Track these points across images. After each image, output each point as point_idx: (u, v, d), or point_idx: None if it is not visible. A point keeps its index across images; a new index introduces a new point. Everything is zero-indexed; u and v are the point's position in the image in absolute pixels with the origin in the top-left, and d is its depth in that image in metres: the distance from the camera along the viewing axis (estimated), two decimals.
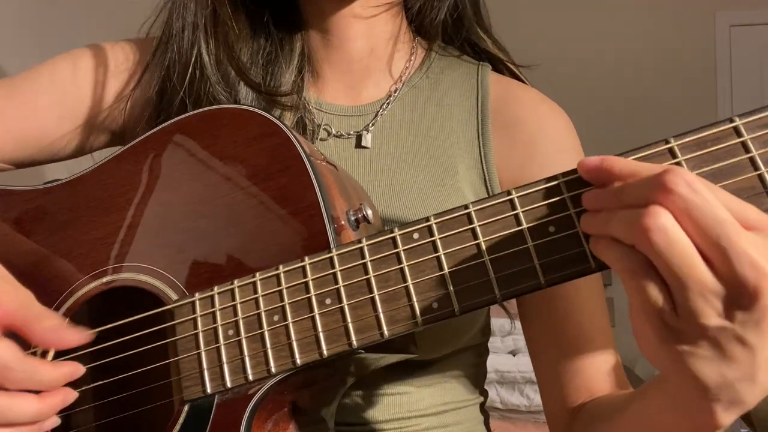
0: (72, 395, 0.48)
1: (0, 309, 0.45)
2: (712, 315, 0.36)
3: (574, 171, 0.43)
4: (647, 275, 0.37)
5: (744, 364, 0.37)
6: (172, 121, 0.57)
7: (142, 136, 0.58)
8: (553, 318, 0.65)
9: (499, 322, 2.61)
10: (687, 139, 0.41)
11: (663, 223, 0.36)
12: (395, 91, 0.72)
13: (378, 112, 0.71)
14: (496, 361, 2.55)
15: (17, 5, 1.77)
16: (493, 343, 2.65)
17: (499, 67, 0.76)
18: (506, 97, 0.72)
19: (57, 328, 0.46)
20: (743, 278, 0.35)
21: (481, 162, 0.69)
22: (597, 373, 0.63)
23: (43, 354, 0.52)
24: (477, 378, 0.74)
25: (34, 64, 0.73)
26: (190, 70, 0.67)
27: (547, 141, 0.69)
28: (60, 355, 0.52)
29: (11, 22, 1.75)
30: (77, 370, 0.48)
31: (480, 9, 0.76)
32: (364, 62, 0.72)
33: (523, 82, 0.76)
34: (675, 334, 0.38)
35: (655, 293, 0.37)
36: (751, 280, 0.35)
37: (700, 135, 0.41)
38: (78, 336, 0.47)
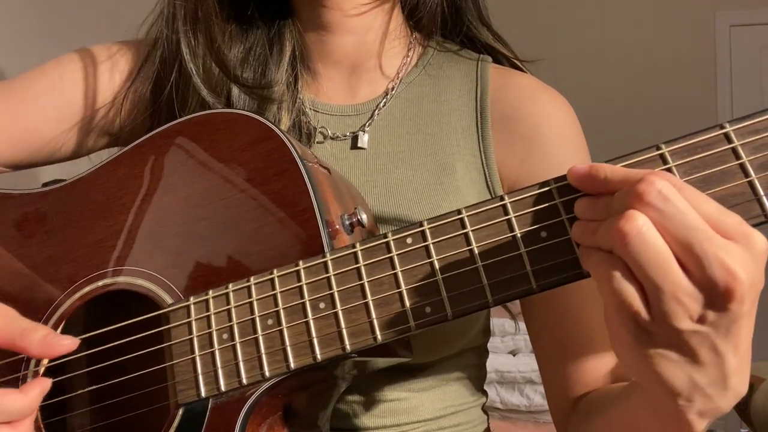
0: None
1: None
2: (684, 318, 0.36)
3: (566, 177, 0.43)
4: (624, 278, 0.37)
5: (714, 369, 0.38)
6: (168, 125, 0.57)
7: (139, 140, 0.58)
8: (553, 315, 0.65)
9: (499, 322, 2.61)
10: (678, 146, 0.41)
11: (638, 227, 0.36)
12: (392, 89, 0.70)
13: (375, 111, 0.69)
14: (496, 361, 2.55)
15: (17, 5, 1.77)
16: (493, 343, 2.65)
17: (501, 60, 0.74)
18: (505, 86, 0.70)
19: (48, 338, 0.46)
20: (715, 282, 0.35)
21: (481, 158, 0.67)
22: (597, 366, 0.63)
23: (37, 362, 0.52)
24: (479, 379, 0.74)
25: (34, 65, 0.73)
26: (175, 69, 0.67)
27: (550, 132, 0.67)
28: (54, 361, 0.52)
29: (11, 22, 1.75)
30: (46, 385, 0.46)
31: (479, 2, 0.73)
32: (357, 58, 0.70)
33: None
34: (648, 337, 0.38)
35: (630, 296, 0.37)
36: (722, 284, 0.35)
37: (691, 141, 0.41)
38: (69, 342, 0.46)
